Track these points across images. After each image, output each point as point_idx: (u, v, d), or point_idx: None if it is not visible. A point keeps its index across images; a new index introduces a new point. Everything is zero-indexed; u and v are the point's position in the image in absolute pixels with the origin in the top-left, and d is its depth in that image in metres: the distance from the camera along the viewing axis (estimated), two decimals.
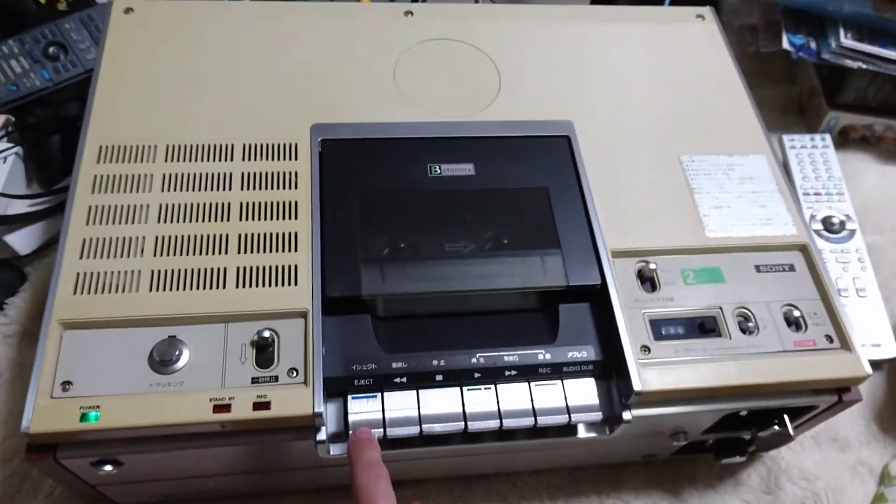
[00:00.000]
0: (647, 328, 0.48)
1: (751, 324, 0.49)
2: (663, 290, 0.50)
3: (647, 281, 0.50)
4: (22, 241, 0.64)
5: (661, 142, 0.57)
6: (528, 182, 0.53)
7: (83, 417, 0.41)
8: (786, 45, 0.77)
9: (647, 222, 0.52)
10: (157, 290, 0.45)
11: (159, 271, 0.46)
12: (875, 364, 0.65)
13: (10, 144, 0.67)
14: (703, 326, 0.49)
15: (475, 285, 0.48)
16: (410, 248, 0.49)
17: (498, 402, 0.46)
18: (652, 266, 0.50)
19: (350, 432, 0.44)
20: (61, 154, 0.69)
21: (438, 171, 0.52)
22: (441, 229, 0.50)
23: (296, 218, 0.49)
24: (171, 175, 0.50)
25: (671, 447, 0.54)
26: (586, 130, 0.56)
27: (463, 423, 0.45)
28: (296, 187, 0.50)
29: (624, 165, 0.55)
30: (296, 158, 0.52)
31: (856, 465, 0.61)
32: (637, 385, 0.45)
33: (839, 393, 0.49)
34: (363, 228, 0.49)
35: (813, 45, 0.77)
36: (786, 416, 0.51)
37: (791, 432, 0.51)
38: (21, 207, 0.65)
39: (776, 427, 0.51)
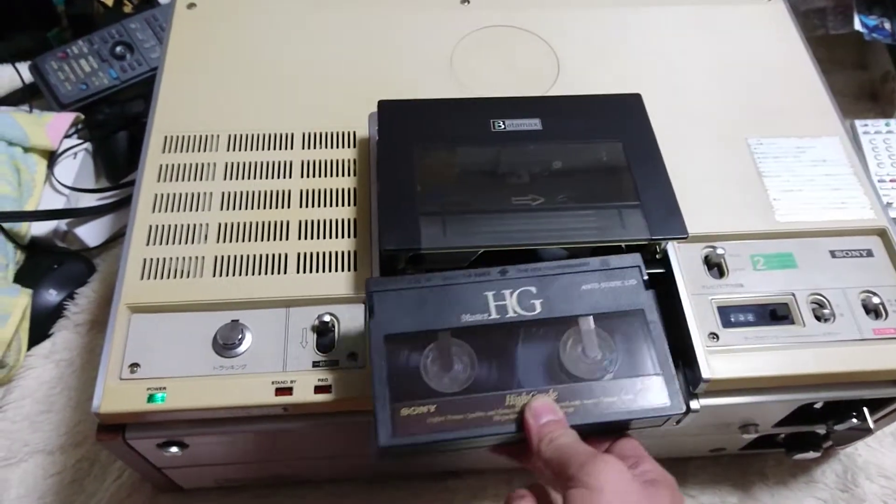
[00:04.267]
0: (715, 315, 0.46)
1: (826, 311, 0.47)
2: (732, 276, 0.48)
3: (715, 267, 0.49)
4: (91, 233, 0.66)
5: (727, 125, 0.55)
6: (600, 136, 0.50)
7: (150, 398, 0.41)
8: (858, 26, 0.74)
9: (713, 206, 0.51)
10: (221, 275, 0.46)
11: (222, 257, 0.47)
12: None
13: (80, 141, 0.70)
14: (775, 313, 0.47)
15: (546, 239, 0.45)
16: (473, 202, 0.46)
17: None
18: (719, 251, 0.48)
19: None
20: (128, 150, 0.71)
21: (502, 126, 0.50)
22: (506, 182, 0.47)
23: (355, 204, 0.49)
24: (233, 164, 0.51)
25: (740, 441, 0.52)
26: (649, 113, 0.54)
27: None
28: (354, 174, 0.51)
29: (688, 149, 0.53)
30: (354, 146, 0.52)
31: None
32: (706, 373, 0.44)
33: None
34: (422, 183, 0.46)
35: (888, 25, 0.74)
36: (865, 409, 0.48)
37: (871, 426, 0.48)
38: (90, 201, 0.68)
39: (854, 420, 0.48)
